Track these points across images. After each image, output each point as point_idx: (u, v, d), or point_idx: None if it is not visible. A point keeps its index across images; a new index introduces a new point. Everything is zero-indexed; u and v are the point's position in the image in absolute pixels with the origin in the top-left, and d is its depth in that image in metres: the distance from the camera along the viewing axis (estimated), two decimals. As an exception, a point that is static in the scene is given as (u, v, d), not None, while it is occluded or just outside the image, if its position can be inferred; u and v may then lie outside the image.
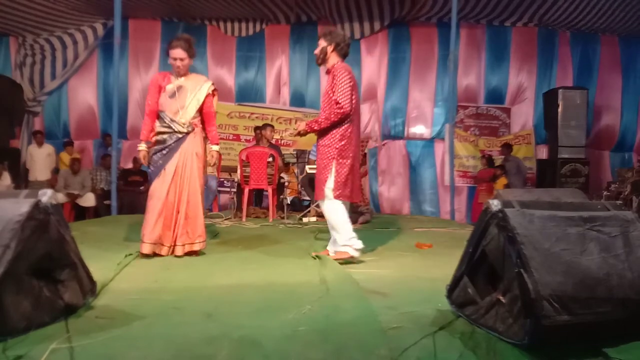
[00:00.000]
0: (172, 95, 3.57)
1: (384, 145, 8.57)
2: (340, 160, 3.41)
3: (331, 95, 3.39)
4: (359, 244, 3.42)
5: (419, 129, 8.61)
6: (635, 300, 1.76)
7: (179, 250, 3.51)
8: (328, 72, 3.53)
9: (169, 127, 3.56)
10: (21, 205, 1.84)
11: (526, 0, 7.50)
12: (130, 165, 8.25)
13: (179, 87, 3.58)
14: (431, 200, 8.46)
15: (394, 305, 2.24)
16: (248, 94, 8.55)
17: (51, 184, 7.72)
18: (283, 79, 8.56)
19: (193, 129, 3.60)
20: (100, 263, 2.85)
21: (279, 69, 8.56)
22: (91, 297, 2.25)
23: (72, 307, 2.06)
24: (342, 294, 2.42)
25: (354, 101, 3.42)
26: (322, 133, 3.46)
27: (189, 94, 3.59)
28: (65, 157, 8.09)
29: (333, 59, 3.48)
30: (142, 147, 3.61)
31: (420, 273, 3.06)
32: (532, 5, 7.64)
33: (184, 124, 3.56)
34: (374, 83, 8.53)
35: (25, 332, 1.79)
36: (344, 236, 3.40)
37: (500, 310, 1.86)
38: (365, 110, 8.61)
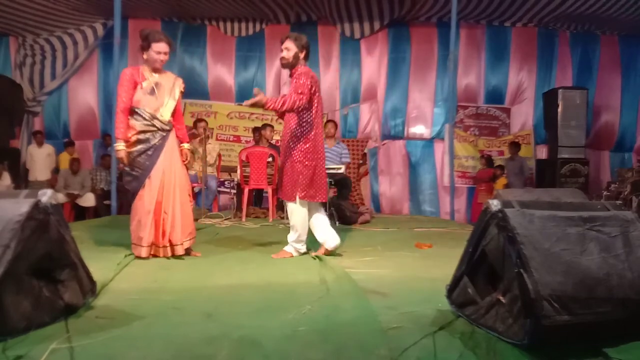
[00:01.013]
0: (152, 92, 3.44)
1: (383, 145, 8.57)
2: (306, 163, 3.55)
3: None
4: (304, 249, 3.70)
5: (419, 129, 8.60)
6: (635, 300, 1.76)
7: (179, 250, 3.47)
8: (291, 75, 3.60)
9: (152, 125, 3.43)
10: (21, 205, 1.84)
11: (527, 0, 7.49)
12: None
13: (157, 84, 3.47)
14: (431, 201, 8.46)
15: (394, 305, 2.24)
16: (248, 94, 8.46)
17: (51, 184, 7.72)
18: (283, 79, 8.55)
19: (172, 127, 3.56)
20: (100, 263, 2.86)
21: (279, 69, 8.53)
22: (91, 297, 2.26)
23: (72, 307, 2.06)
24: (342, 294, 2.43)
25: (316, 104, 3.56)
26: (288, 137, 3.60)
27: (166, 91, 3.50)
28: (66, 157, 8.09)
29: (300, 63, 3.60)
30: (122, 146, 3.38)
31: (420, 273, 3.06)
32: (534, 7, 7.62)
33: (165, 122, 3.48)
34: (374, 83, 8.53)
35: (25, 332, 1.79)
36: (297, 236, 3.63)
37: (500, 310, 1.86)
38: (365, 110, 8.62)
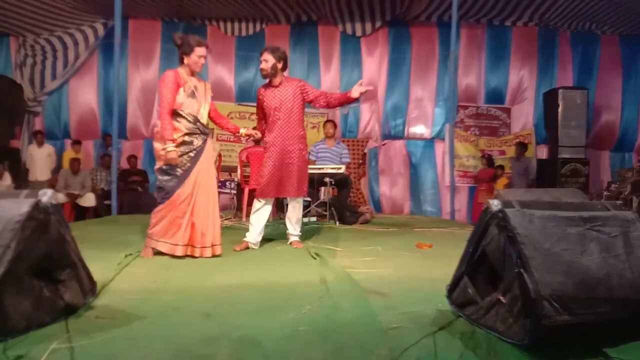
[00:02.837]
0: (193, 95, 3.51)
1: (384, 145, 8.57)
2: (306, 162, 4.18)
3: (305, 99, 4.00)
4: None
5: (419, 129, 8.60)
6: (635, 300, 1.76)
7: (218, 250, 3.53)
8: (278, 85, 3.93)
9: (196, 127, 3.50)
10: (21, 205, 1.84)
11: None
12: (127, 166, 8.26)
13: (195, 87, 3.55)
14: (431, 200, 8.46)
15: (393, 305, 2.24)
16: (248, 94, 8.54)
17: (51, 184, 7.72)
18: (282, 79, 8.57)
19: (209, 131, 3.65)
20: (100, 263, 2.85)
21: (279, 69, 8.54)
22: (91, 297, 2.26)
23: (72, 307, 2.06)
24: (342, 294, 2.42)
25: None
26: (297, 138, 3.99)
27: (202, 95, 3.59)
28: (70, 154, 8.10)
29: (280, 74, 3.93)
30: (172, 148, 3.39)
31: (420, 273, 3.06)
32: (532, 4, 7.62)
33: (205, 124, 3.58)
34: (374, 83, 8.51)
35: (26, 332, 1.79)
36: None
37: (500, 310, 1.86)
38: (366, 110, 8.62)
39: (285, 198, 4.24)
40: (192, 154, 3.48)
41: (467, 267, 2.06)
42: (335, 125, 6.70)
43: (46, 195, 1.93)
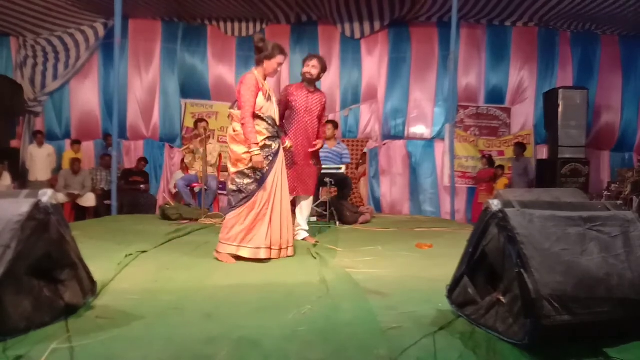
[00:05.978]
0: (270, 98, 3.51)
1: (384, 145, 8.57)
2: None
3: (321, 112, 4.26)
4: None
5: (419, 129, 8.60)
6: (635, 300, 1.76)
7: (291, 251, 3.55)
8: (313, 91, 4.17)
9: (276, 131, 3.52)
10: (21, 206, 1.84)
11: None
12: (132, 165, 8.27)
13: (270, 90, 3.55)
14: (431, 201, 8.46)
15: (393, 306, 2.24)
16: (248, 94, 8.54)
17: (51, 184, 7.73)
18: (282, 80, 8.56)
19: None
20: (100, 263, 2.85)
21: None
22: (91, 297, 2.26)
23: (73, 307, 2.06)
24: (341, 294, 2.42)
25: None
26: (310, 142, 4.20)
27: (274, 98, 3.60)
28: (70, 154, 8.11)
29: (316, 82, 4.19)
30: (258, 152, 3.36)
31: (420, 273, 3.06)
32: (533, 5, 7.63)
33: (278, 127, 3.60)
34: (374, 83, 8.53)
35: (26, 332, 1.79)
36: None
37: (500, 310, 1.86)
38: (366, 111, 8.63)
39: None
40: (270, 158, 3.46)
41: (467, 267, 2.06)
42: (336, 126, 6.70)
43: (46, 195, 1.93)
